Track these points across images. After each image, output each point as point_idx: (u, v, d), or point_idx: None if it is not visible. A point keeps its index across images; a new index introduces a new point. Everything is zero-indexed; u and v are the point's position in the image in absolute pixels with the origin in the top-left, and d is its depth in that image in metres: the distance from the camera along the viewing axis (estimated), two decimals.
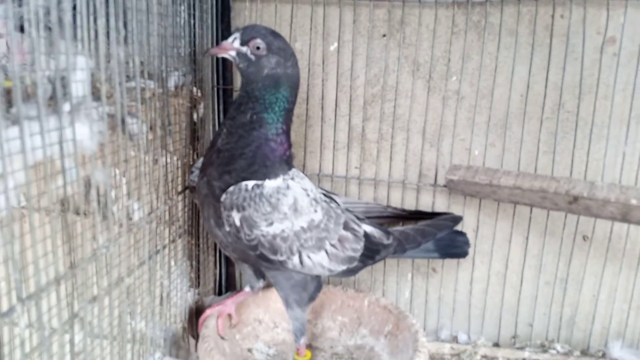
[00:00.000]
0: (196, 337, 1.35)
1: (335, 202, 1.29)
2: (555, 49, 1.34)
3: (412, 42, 1.42)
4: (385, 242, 1.28)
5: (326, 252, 1.18)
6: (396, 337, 1.30)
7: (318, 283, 1.25)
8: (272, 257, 1.13)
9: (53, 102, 0.82)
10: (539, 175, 1.31)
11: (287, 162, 1.15)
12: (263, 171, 1.11)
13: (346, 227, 1.21)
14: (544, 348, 1.52)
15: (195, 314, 1.40)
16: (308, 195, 1.16)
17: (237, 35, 1.04)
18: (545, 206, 1.32)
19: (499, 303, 1.54)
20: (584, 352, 1.51)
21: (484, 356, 1.50)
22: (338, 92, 1.48)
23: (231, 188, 1.09)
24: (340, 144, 1.52)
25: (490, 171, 1.35)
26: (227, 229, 1.10)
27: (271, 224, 1.10)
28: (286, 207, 1.11)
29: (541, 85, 1.37)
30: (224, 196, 1.09)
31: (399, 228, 1.38)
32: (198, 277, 1.46)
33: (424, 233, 1.35)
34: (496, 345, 1.56)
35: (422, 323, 1.59)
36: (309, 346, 1.38)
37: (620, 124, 1.36)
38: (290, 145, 1.15)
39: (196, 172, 1.24)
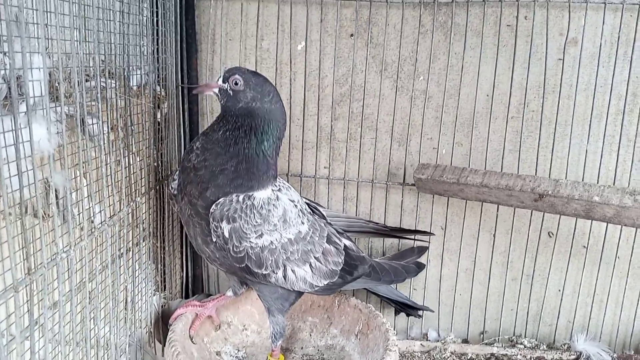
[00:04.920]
0: (163, 341, 1.32)
1: (320, 213, 1.30)
2: (519, 49, 1.36)
3: (380, 42, 1.42)
4: (362, 254, 1.30)
5: (310, 265, 1.19)
6: (367, 336, 1.30)
7: (300, 292, 1.25)
8: (257, 270, 1.14)
9: (8, 103, 0.79)
10: (505, 174, 1.33)
11: (273, 176, 1.16)
12: (248, 184, 1.11)
13: (329, 240, 1.23)
14: (511, 343, 1.55)
15: (162, 318, 1.37)
16: (295, 206, 1.18)
17: (220, 74, 1.11)
18: (512, 204, 1.34)
19: (467, 300, 1.55)
20: (550, 346, 1.54)
21: (454, 352, 1.51)
22: (306, 92, 1.47)
23: (221, 200, 1.09)
24: (309, 143, 1.51)
25: (457, 170, 1.36)
26: (214, 239, 1.11)
27: (260, 235, 1.12)
28: (276, 219, 1.13)
29: (506, 85, 1.39)
30: (213, 207, 1.09)
31: (376, 259, 1.40)
32: (164, 280, 1.44)
33: (396, 272, 1.37)
34: (465, 341, 1.57)
35: (392, 321, 1.59)
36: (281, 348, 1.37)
37: (583, 123, 1.38)
38: (275, 163, 1.16)
39: (177, 180, 1.20)
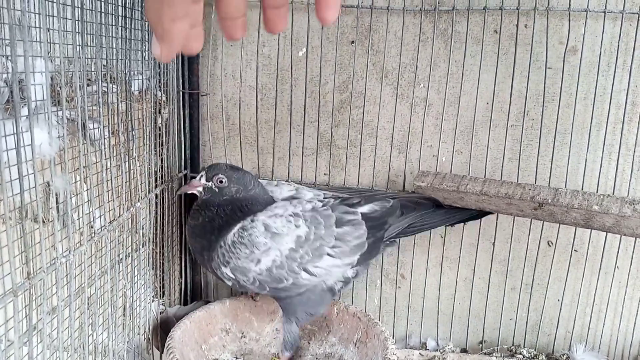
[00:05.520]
0: (161, 348, 1.31)
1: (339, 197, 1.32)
2: (519, 57, 1.37)
3: (380, 49, 1.42)
4: (387, 206, 1.29)
5: (329, 255, 1.20)
6: (365, 344, 1.30)
7: (328, 299, 1.29)
8: (281, 285, 1.18)
9: (10, 106, 0.79)
10: (504, 182, 1.33)
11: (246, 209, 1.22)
12: (221, 233, 1.19)
13: (339, 223, 1.23)
14: (510, 353, 1.54)
15: (160, 324, 1.37)
16: (281, 215, 1.19)
17: (202, 173, 1.22)
18: (511, 212, 1.34)
19: (466, 309, 1.55)
20: (549, 356, 1.53)
21: None
22: (307, 98, 1.47)
23: (212, 254, 1.18)
24: (309, 150, 1.51)
25: (457, 177, 1.36)
26: (230, 283, 1.19)
27: (259, 261, 1.16)
28: (261, 238, 1.15)
29: (506, 93, 1.39)
30: (212, 264, 1.19)
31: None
32: (163, 286, 1.43)
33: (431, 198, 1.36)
34: (464, 351, 1.57)
35: (391, 330, 1.59)
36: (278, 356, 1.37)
37: (582, 131, 1.39)
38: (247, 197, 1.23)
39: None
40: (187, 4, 0.45)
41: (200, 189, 1.21)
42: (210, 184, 1.20)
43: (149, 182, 1.28)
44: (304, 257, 1.17)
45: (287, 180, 1.51)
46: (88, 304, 0.99)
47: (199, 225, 1.22)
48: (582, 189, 1.39)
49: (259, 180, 1.33)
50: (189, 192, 1.23)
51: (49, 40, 0.85)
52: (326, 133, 1.49)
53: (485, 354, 1.53)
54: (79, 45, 0.88)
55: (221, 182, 1.20)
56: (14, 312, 0.77)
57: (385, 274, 1.56)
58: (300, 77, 1.46)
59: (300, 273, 1.18)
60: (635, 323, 1.49)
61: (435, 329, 1.58)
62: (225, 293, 1.62)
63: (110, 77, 1.06)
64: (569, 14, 1.32)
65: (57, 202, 0.90)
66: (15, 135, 0.74)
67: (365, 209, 1.28)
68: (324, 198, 1.29)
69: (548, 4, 1.32)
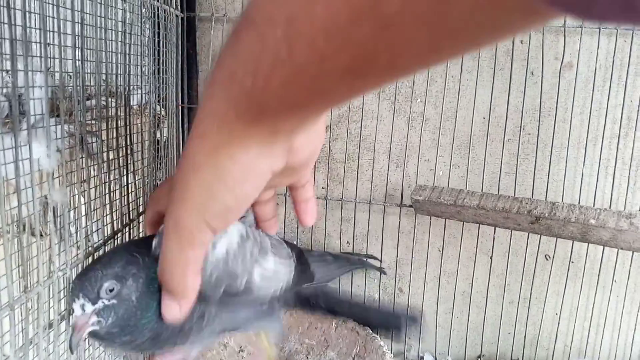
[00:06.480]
0: None
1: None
2: (515, 73, 1.38)
3: None
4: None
5: (273, 253, 0.98)
6: (364, 359, 1.29)
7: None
8: (234, 284, 1.05)
9: (9, 120, 0.80)
10: (501, 196, 1.34)
11: None
12: None
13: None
14: None
15: None
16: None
17: (81, 302, 0.74)
18: (508, 226, 1.35)
19: (464, 323, 1.55)
20: None
21: None
22: None
23: None
24: None
25: (454, 192, 1.37)
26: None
27: (215, 245, 0.85)
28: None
29: (502, 108, 1.40)
30: None
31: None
32: None
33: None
34: None
35: (389, 344, 1.58)
36: None
37: (578, 146, 1.40)
38: None
39: None
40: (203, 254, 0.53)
41: (96, 324, 0.89)
42: (101, 304, 0.79)
43: (147, 196, 1.28)
44: (252, 251, 1.02)
45: (284, 195, 1.51)
46: None
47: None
48: (578, 203, 1.39)
49: None
50: (83, 335, 1.10)
51: (49, 55, 0.85)
52: (324, 147, 1.50)
53: None
54: (78, 60, 0.89)
55: (112, 290, 0.80)
56: (11, 326, 0.77)
57: (383, 288, 1.56)
58: None
59: (252, 273, 0.91)
60: (633, 337, 1.49)
61: (434, 343, 1.57)
62: None
63: (110, 92, 1.07)
64: (564, 30, 1.34)
65: (54, 216, 0.90)
66: (14, 149, 0.75)
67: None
68: None
69: None
